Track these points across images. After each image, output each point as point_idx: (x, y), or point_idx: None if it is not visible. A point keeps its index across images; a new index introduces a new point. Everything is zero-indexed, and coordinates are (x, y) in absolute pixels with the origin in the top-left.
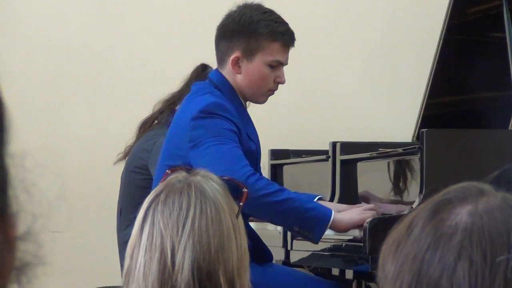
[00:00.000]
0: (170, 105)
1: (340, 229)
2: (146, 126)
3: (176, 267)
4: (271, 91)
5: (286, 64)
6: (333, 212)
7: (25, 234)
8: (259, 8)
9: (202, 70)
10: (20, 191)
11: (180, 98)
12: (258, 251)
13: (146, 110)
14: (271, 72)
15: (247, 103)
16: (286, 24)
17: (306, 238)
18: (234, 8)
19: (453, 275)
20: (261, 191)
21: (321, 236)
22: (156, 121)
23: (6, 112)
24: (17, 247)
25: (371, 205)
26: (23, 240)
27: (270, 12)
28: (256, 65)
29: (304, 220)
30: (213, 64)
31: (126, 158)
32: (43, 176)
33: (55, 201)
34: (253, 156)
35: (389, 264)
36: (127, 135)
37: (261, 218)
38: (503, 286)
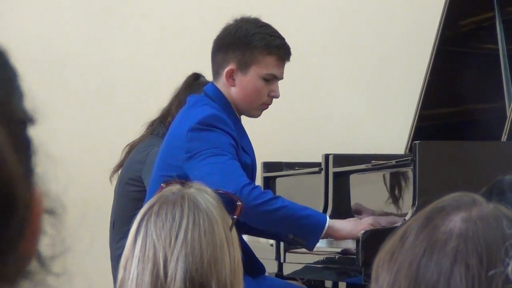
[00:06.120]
0: (160, 117)
1: (337, 237)
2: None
3: (169, 278)
4: (265, 105)
5: (281, 78)
6: (328, 219)
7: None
8: (256, 22)
9: (194, 80)
10: None
11: (171, 110)
12: (251, 263)
13: (140, 121)
14: (265, 85)
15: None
16: (282, 38)
17: (301, 245)
18: (231, 22)
19: (450, 279)
20: (256, 200)
21: (316, 243)
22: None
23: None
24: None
25: (371, 221)
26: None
27: (266, 26)
28: (250, 78)
29: (299, 227)
30: (206, 75)
31: (119, 171)
32: None
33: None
34: (249, 169)
35: (384, 274)
36: (120, 147)
37: (256, 227)
38: None
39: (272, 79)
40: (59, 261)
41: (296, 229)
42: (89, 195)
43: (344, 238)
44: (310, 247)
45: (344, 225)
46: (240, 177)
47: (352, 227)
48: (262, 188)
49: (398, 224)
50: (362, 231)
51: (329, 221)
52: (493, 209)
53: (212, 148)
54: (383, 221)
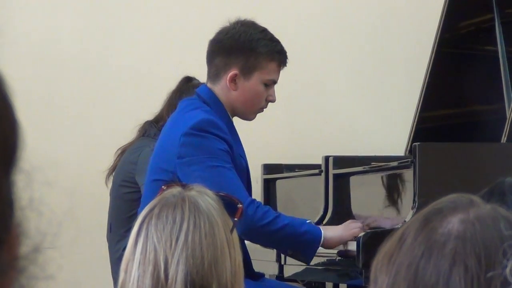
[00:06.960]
0: (152, 121)
1: (330, 246)
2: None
3: (169, 281)
4: (262, 109)
5: (276, 83)
6: (322, 232)
7: (31, 252)
8: (255, 26)
9: (186, 82)
10: (28, 209)
11: (162, 114)
12: (250, 266)
13: (139, 123)
14: (265, 90)
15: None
16: (281, 43)
17: (298, 259)
18: (228, 25)
19: (448, 280)
20: (261, 222)
21: (313, 257)
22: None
23: (18, 133)
24: (19, 266)
25: (358, 224)
26: (28, 259)
27: (266, 31)
28: (253, 83)
29: (298, 244)
30: (199, 77)
31: (113, 175)
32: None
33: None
34: (244, 171)
35: (383, 276)
36: (118, 147)
37: (257, 244)
38: None
39: (271, 84)
40: (47, 264)
41: (296, 246)
42: (88, 196)
43: (337, 245)
44: (307, 261)
45: (334, 232)
46: (243, 194)
47: (342, 231)
48: (262, 191)
49: (398, 226)
50: (354, 235)
51: (323, 233)
52: (490, 210)
53: (209, 158)
54: (379, 224)
